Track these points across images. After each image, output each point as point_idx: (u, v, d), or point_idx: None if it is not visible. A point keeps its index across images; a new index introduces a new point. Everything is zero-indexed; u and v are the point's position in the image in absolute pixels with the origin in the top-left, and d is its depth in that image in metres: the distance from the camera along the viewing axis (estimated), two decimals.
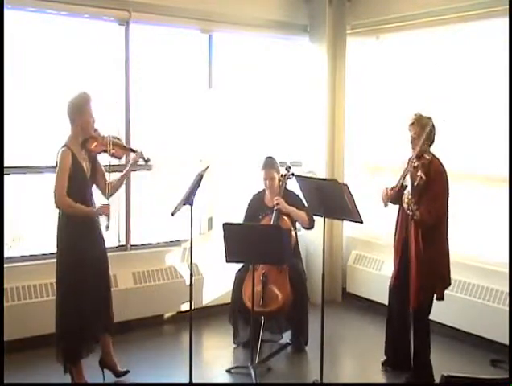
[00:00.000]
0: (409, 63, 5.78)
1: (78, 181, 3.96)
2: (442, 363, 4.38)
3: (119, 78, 5.25)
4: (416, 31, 5.61)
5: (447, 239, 4.22)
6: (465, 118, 5.30)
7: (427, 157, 4.10)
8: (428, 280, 4.16)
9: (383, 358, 4.56)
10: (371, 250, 5.98)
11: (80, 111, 3.95)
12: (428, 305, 4.23)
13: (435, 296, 4.22)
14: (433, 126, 4.17)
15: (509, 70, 4.68)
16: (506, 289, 4.72)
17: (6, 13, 4.35)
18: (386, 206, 4.29)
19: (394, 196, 4.24)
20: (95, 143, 4.03)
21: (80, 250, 3.97)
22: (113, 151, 4.08)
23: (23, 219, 5.25)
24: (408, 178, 4.14)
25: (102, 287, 4.14)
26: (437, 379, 3.66)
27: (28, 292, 4.77)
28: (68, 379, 4.07)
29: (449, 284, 4.27)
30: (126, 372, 4.29)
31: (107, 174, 4.16)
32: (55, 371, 4.05)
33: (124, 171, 4.26)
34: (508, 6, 4.60)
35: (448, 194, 4.15)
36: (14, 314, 4.57)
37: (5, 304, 4.57)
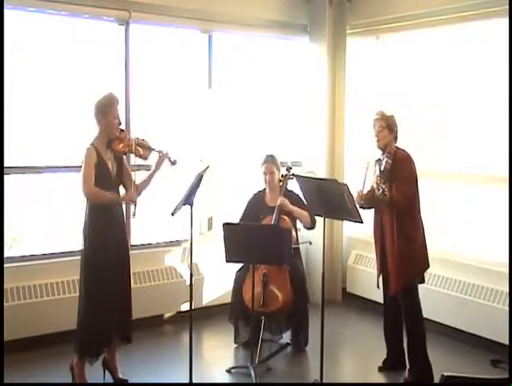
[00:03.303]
0: (409, 64, 5.78)
1: (103, 180, 3.96)
2: (442, 363, 4.38)
3: (119, 78, 5.24)
4: (416, 31, 5.61)
5: (422, 228, 4.28)
6: (465, 118, 5.30)
7: (393, 147, 4.27)
8: (404, 267, 4.20)
9: (384, 357, 4.56)
10: (371, 250, 5.89)
11: (104, 111, 3.97)
12: (411, 290, 4.25)
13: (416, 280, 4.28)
14: (395, 123, 4.33)
15: (509, 70, 4.68)
16: (506, 289, 4.72)
17: (6, 13, 4.35)
18: (361, 207, 4.28)
19: (367, 198, 4.27)
20: (120, 144, 4.05)
21: (105, 247, 3.97)
22: (139, 152, 4.09)
23: (23, 219, 5.25)
24: (376, 167, 4.27)
25: (123, 286, 4.13)
26: (437, 379, 3.66)
27: (28, 292, 4.76)
28: (68, 379, 4.07)
29: (427, 267, 4.31)
30: (125, 382, 4.21)
31: (133, 174, 4.14)
32: (55, 371, 4.05)
33: (150, 172, 4.22)
34: (508, 6, 4.61)
35: (416, 177, 4.28)
36: (14, 314, 4.56)
37: (5, 304, 4.57)
